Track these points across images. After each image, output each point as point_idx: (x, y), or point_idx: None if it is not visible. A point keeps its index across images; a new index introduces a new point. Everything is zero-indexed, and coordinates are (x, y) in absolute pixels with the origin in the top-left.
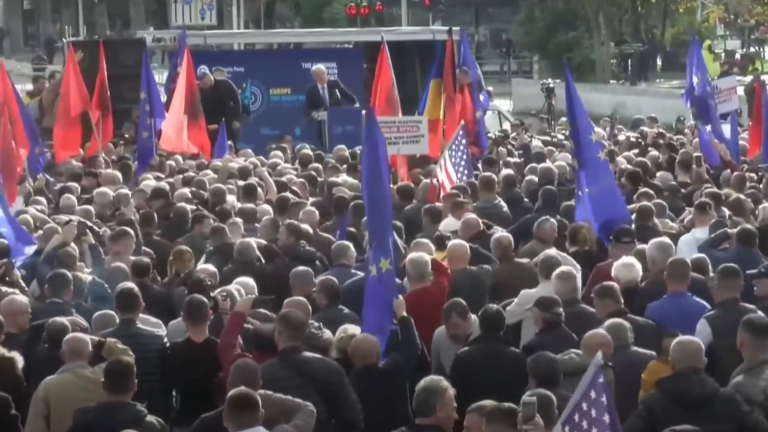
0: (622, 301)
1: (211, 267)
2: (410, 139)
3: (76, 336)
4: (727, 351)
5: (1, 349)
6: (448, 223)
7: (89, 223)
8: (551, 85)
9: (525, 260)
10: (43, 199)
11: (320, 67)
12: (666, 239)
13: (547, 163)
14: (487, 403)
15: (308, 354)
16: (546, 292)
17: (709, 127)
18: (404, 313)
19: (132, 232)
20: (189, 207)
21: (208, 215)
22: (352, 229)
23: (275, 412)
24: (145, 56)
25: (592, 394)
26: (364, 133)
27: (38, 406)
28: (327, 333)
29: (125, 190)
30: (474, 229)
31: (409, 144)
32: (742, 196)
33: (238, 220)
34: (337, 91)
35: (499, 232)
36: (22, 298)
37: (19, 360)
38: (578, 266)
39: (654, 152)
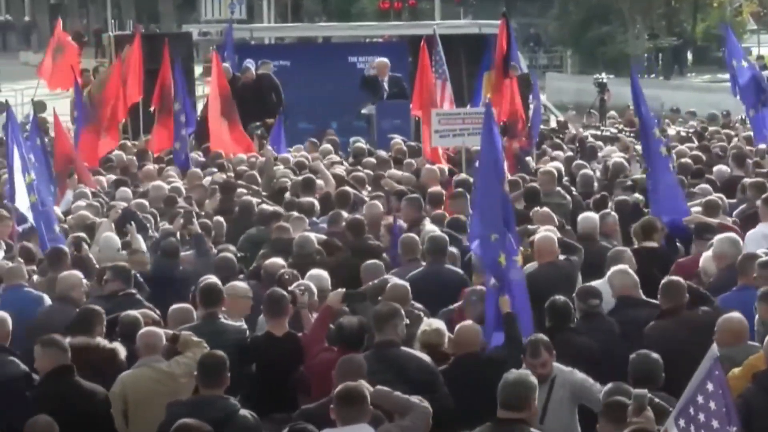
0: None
1: (281, 260)
2: (476, 131)
3: (150, 330)
4: None
5: (103, 341)
6: None
7: (139, 214)
8: (604, 80)
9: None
10: (88, 191)
11: (384, 60)
12: (734, 234)
13: (588, 170)
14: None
15: (403, 349)
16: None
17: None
18: (508, 310)
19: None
20: (255, 200)
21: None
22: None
23: (390, 409)
24: (177, 66)
25: (709, 386)
26: (483, 129)
27: (115, 402)
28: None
29: (179, 184)
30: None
31: (474, 135)
32: None
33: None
34: (403, 84)
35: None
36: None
37: (122, 350)
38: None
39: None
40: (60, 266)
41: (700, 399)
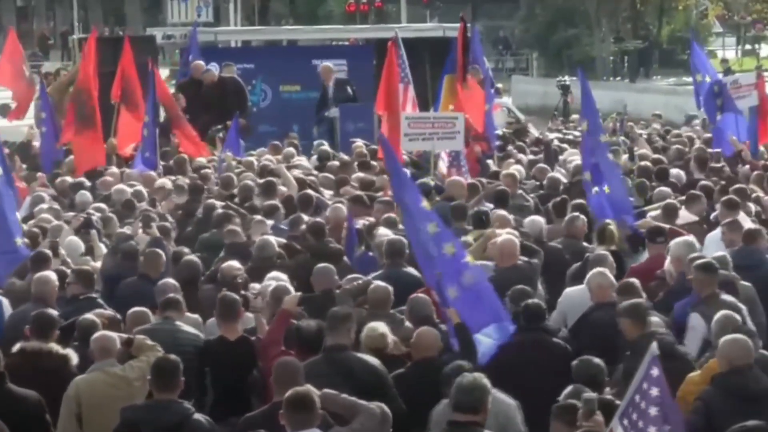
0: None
1: (238, 264)
2: (445, 135)
3: (105, 334)
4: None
5: (56, 347)
6: None
7: (94, 218)
8: (567, 83)
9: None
10: (46, 196)
11: (327, 64)
12: (691, 237)
13: (554, 174)
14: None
15: (352, 353)
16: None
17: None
18: (458, 321)
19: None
20: (218, 203)
21: (236, 213)
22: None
23: (338, 412)
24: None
25: (644, 386)
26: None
27: (69, 405)
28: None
29: (142, 188)
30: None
31: (444, 140)
32: (761, 193)
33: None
34: (348, 88)
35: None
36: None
37: (74, 357)
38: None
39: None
40: (42, 269)
41: (637, 398)
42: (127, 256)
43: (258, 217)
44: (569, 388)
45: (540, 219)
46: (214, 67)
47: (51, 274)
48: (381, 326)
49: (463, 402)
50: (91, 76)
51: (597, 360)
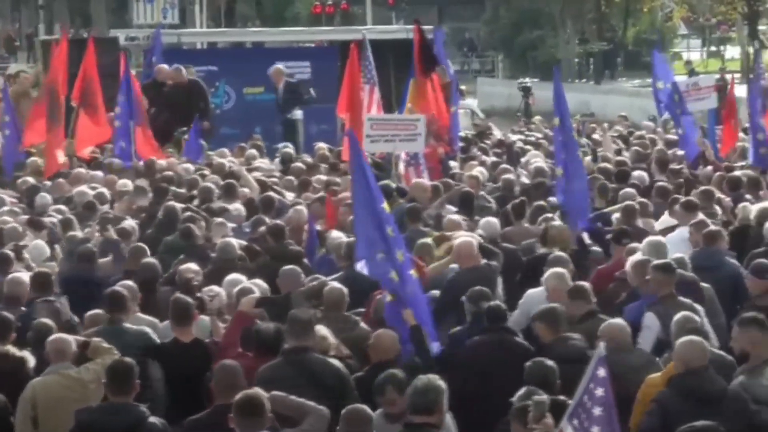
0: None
1: (194, 266)
2: (407, 137)
3: (60, 336)
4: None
5: (13, 349)
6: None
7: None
8: (528, 85)
9: None
10: (6, 198)
11: (278, 66)
12: (659, 238)
13: (509, 176)
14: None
15: (314, 355)
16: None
17: (681, 130)
18: (414, 322)
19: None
20: (179, 206)
21: (199, 216)
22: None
23: (286, 414)
24: (127, 63)
25: (591, 386)
26: (351, 153)
27: (25, 407)
28: None
29: (104, 190)
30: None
31: (405, 142)
32: (722, 195)
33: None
34: (298, 91)
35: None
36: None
37: (30, 359)
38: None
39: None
40: (6, 270)
41: (585, 399)
42: (83, 258)
43: (218, 219)
44: (522, 390)
45: (495, 220)
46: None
47: (24, 275)
48: (321, 329)
49: (418, 403)
50: (63, 77)
51: (550, 362)
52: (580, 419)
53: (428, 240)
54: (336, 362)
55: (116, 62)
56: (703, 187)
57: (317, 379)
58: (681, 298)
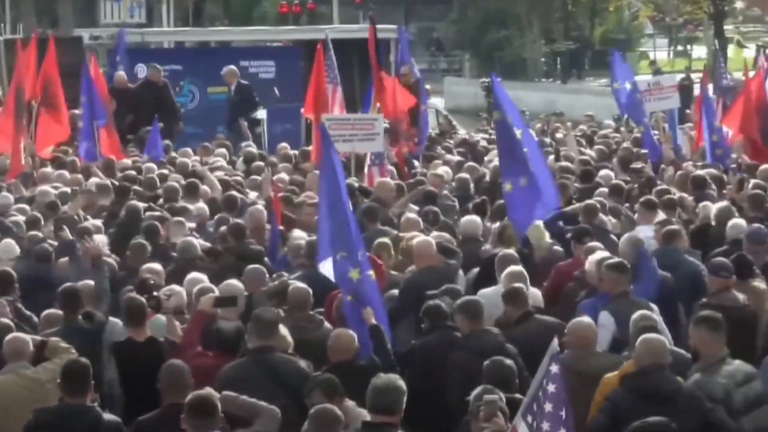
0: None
1: (157, 266)
2: (365, 137)
3: (17, 336)
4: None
5: None
6: None
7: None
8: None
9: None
10: None
11: (231, 68)
12: (636, 233)
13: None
14: None
15: (279, 354)
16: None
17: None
18: (373, 321)
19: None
20: (142, 205)
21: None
22: None
23: (238, 414)
24: (95, 64)
25: (544, 382)
26: (323, 148)
27: None
28: None
29: (67, 189)
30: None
31: (364, 142)
32: (684, 195)
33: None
34: (250, 94)
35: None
36: None
37: None
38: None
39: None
40: None
41: (539, 394)
42: (41, 259)
43: (177, 218)
44: (478, 389)
45: (475, 218)
46: (141, 69)
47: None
48: (282, 328)
49: (377, 403)
50: (32, 79)
51: (508, 361)
52: (533, 415)
53: (386, 239)
54: (301, 362)
55: (79, 61)
56: (660, 187)
57: (282, 379)
58: (634, 297)
